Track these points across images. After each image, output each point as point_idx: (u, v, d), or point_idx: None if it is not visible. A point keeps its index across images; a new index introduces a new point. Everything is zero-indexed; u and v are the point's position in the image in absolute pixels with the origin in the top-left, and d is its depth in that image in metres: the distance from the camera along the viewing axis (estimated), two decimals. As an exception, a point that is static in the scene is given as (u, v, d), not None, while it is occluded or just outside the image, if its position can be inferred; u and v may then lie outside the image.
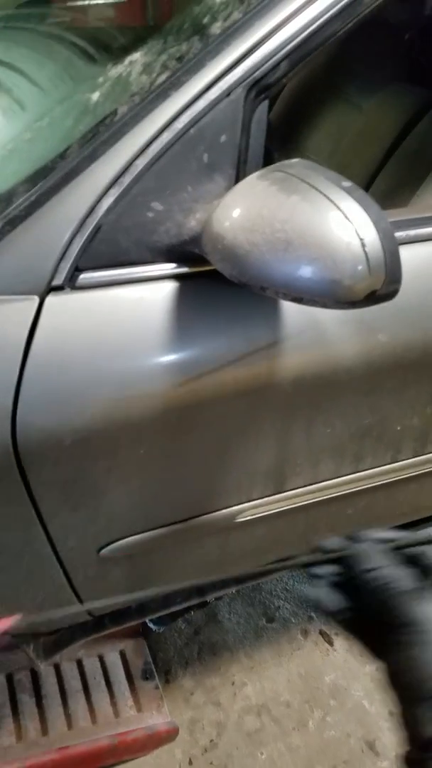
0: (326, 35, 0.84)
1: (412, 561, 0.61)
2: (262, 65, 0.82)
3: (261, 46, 0.82)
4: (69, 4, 1.74)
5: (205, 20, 0.86)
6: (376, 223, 0.67)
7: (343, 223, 0.68)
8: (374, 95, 1.91)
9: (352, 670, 1.61)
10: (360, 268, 0.68)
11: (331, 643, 1.67)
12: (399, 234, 0.93)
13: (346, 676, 1.60)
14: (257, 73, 0.82)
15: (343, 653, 1.65)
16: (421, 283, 0.96)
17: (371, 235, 0.67)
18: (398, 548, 0.62)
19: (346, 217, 0.68)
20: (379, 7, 0.88)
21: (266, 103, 0.86)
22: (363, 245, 0.67)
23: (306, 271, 0.69)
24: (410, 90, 1.84)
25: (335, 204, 0.69)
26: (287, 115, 2.16)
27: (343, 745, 1.48)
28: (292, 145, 2.11)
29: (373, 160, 1.80)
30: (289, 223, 0.70)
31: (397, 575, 0.59)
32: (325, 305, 0.72)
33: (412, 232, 0.94)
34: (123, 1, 1.72)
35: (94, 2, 1.72)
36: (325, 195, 0.70)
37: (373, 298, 0.70)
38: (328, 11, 0.83)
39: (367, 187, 1.79)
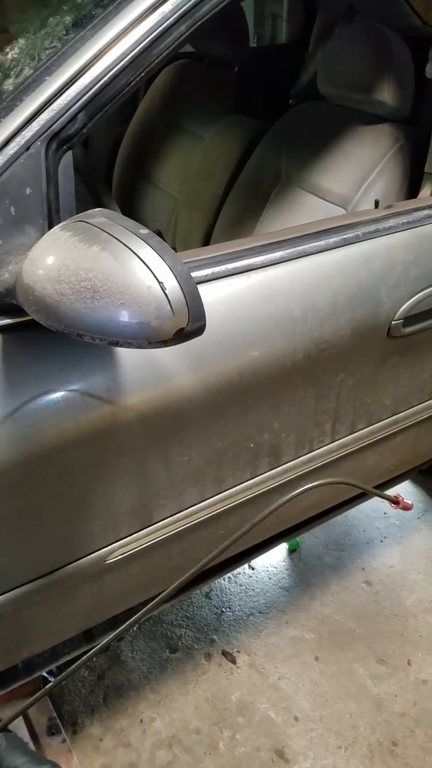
0: (120, 86, 0.87)
1: None
2: (59, 118, 0.84)
3: (55, 100, 0.84)
4: None
5: (-3, 78, 0.87)
6: (173, 267, 0.71)
7: (142, 269, 0.71)
8: (213, 125, 1.99)
9: (257, 684, 1.64)
10: (164, 309, 0.71)
11: (234, 662, 1.69)
12: (206, 272, 0.98)
13: (251, 691, 1.63)
14: (55, 126, 0.84)
15: (246, 669, 1.68)
16: (236, 312, 1.02)
17: (169, 279, 0.71)
18: None
19: (145, 263, 0.71)
20: (171, 55, 0.93)
21: (70, 153, 0.88)
22: (163, 288, 0.71)
23: (115, 316, 0.72)
24: (242, 120, 1.94)
25: (134, 251, 0.72)
26: (136, 156, 2.21)
27: (254, 759, 1.49)
28: (147, 183, 2.16)
29: (219, 187, 1.88)
30: (93, 271, 0.72)
31: None
32: (140, 346, 0.74)
33: (218, 269, 1.00)
34: None
35: None
36: (124, 244, 0.72)
37: (182, 335, 0.73)
38: (118, 63, 0.86)
39: (216, 216, 1.86)
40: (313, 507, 1.49)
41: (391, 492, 2.00)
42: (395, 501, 1.01)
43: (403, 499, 1.01)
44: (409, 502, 1.01)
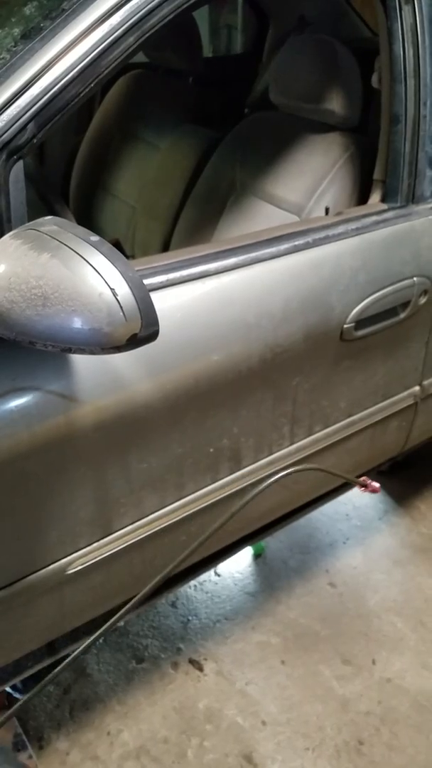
0: (69, 97, 0.88)
1: None
2: (8, 128, 0.84)
3: (4, 110, 0.84)
4: None
5: None
6: (124, 274, 0.72)
7: (93, 276, 0.72)
8: (169, 135, 2.01)
9: (224, 691, 1.64)
10: (116, 315, 0.71)
11: (201, 669, 1.69)
12: (161, 278, 0.99)
13: (219, 698, 1.63)
14: (4, 136, 0.84)
15: (213, 676, 1.68)
16: (192, 318, 1.03)
17: (121, 285, 0.72)
18: None
19: (96, 270, 0.72)
20: (120, 66, 0.94)
21: (21, 163, 0.88)
22: (115, 294, 0.71)
23: (67, 323, 0.72)
24: (198, 130, 1.96)
25: (85, 259, 0.72)
26: (93, 166, 2.21)
27: (222, 766, 1.49)
28: (104, 193, 2.16)
29: (176, 196, 1.89)
30: (44, 279, 0.72)
31: None
32: (93, 353, 0.75)
33: (174, 275, 1.01)
34: None
35: None
36: (74, 251, 0.73)
37: (135, 341, 0.74)
38: (67, 74, 0.87)
39: (174, 224, 1.88)
40: (276, 509, 1.50)
41: (358, 492, 2.05)
42: (364, 485, 1.03)
43: (370, 482, 1.03)
44: (377, 485, 1.03)
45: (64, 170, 2.29)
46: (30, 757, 1.49)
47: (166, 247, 1.90)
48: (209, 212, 1.72)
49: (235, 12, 3.52)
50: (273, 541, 2.03)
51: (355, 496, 2.18)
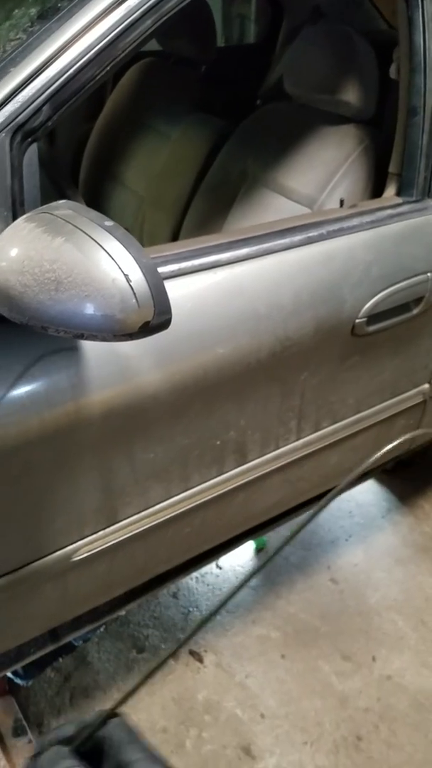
0: (85, 79, 0.87)
1: (99, 751, 0.55)
2: (24, 110, 0.83)
3: (20, 91, 0.83)
4: None
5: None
6: (138, 260, 0.71)
7: (107, 261, 0.71)
8: (180, 124, 1.99)
9: (223, 683, 1.64)
10: (129, 302, 0.71)
11: (201, 661, 1.69)
12: (172, 267, 0.98)
13: (218, 690, 1.63)
14: (19, 118, 0.83)
15: (213, 668, 1.68)
16: (202, 308, 1.02)
17: (135, 271, 0.71)
18: (85, 739, 0.55)
19: (110, 255, 0.71)
20: (136, 50, 0.92)
21: (35, 146, 0.87)
22: (128, 280, 0.70)
23: (79, 308, 0.71)
24: (209, 119, 1.94)
25: (99, 243, 0.71)
26: (103, 154, 2.19)
27: (220, 757, 1.49)
28: (113, 181, 2.15)
29: (186, 187, 1.88)
30: (57, 263, 0.71)
31: None
32: (105, 339, 0.74)
33: (185, 264, 1.00)
34: None
35: None
36: (88, 235, 0.72)
37: (147, 329, 0.73)
38: (84, 56, 0.86)
39: (183, 215, 1.86)
40: (278, 505, 1.49)
41: (361, 489, 2.06)
42: None
43: None
44: None
45: (73, 157, 2.28)
46: (30, 742, 1.50)
47: (174, 238, 1.88)
48: (219, 204, 1.70)
49: (249, 2, 3.49)
50: (275, 536, 2.03)
51: (358, 493, 2.18)
